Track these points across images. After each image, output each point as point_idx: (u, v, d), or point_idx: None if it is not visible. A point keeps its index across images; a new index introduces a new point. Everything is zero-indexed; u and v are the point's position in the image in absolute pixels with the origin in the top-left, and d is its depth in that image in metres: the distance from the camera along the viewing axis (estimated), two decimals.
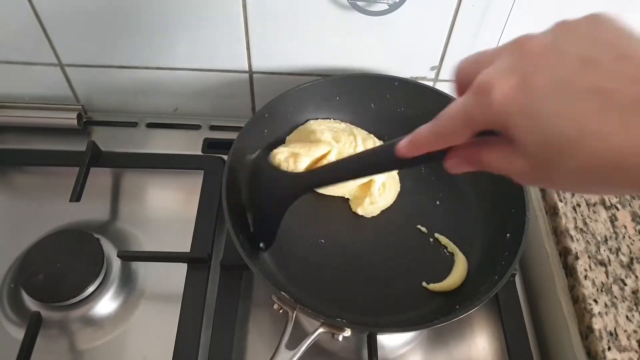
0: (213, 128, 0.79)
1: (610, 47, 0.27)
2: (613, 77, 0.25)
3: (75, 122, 0.75)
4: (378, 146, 0.41)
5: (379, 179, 0.66)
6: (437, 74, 0.73)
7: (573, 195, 0.65)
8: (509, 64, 0.28)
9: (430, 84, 0.74)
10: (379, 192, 0.66)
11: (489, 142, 0.31)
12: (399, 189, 0.68)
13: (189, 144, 0.76)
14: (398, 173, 0.69)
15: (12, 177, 0.74)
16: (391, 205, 0.67)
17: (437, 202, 0.68)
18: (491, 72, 0.28)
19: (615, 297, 0.57)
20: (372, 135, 0.70)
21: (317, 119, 0.71)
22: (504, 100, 0.27)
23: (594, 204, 0.64)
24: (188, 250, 0.64)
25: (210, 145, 0.77)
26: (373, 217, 0.66)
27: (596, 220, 0.63)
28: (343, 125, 0.71)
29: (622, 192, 0.28)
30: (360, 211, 0.66)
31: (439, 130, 0.32)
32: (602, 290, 0.57)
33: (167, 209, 0.71)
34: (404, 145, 0.35)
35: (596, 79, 0.26)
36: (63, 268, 0.61)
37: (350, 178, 0.48)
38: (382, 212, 0.67)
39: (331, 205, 0.67)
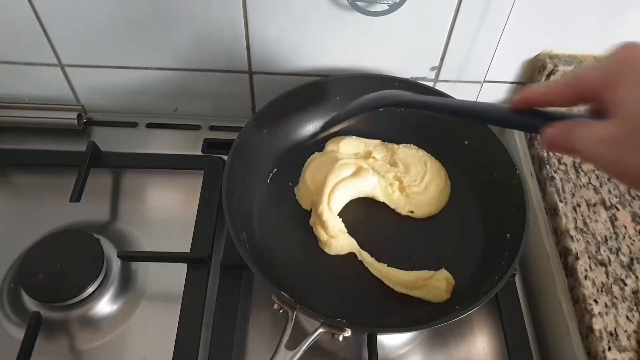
0: (213, 128, 0.79)
1: None
2: None
3: (75, 122, 0.75)
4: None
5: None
6: (437, 75, 0.73)
7: (573, 195, 0.65)
8: None
9: (431, 84, 0.74)
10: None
11: (583, 121, 0.33)
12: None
13: (189, 144, 0.76)
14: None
15: (12, 177, 0.74)
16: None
17: None
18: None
19: (616, 297, 0.57)
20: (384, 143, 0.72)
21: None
22: (629, 67, 0.32)
23: (594, 204, 0.64)
24: (188, 250, 0.64)
25: (210, 145, 0.77)
26: (373, 217, 0.66)
27: (596, 221, 0.63)
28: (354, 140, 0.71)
29: None
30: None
31: (558, 81, 0.35)
32: (602, 291, 0.57)
33: (167, 209, 0.71)
34: (518, 96, 0.38)
35: None
36: (63, 268, 0.61)
37: (454, 114, 0.47)
38: (382, 211, 0.67)
39: None
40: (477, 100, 0.47)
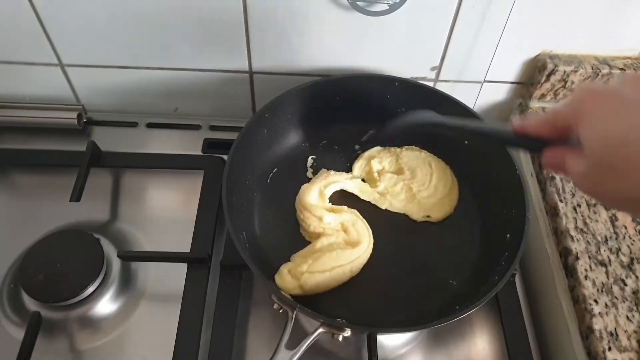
0: (213, 128, 0.79)
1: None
2: None
3: (75, 122, 0.75)
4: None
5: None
6: (438, 75, 0.73)
7: (573, 195, 0.65)
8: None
9: (431, 84, 0.74)
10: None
11: (570, 149, 0.37)
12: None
13: (189, 144, 0.76)
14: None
15: (12, 177, 0.74)
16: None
17: None
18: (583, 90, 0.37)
19: (616, 297, 0.57)
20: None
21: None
22: (586, 100, 0.35)
23: (595, 205, 0.64)
24: (188, 250, 0.64)
25: (210, 145, 0.77)
26: (373, 217, 0.66)
27: (596, 221, 0.63)
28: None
29: None
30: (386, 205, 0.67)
31: (543, 117, 0.40)
32: (602, 291, 0.57)
33: (167, 209, 0.71)
34: (518, 121, 0.43)
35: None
36: (63, 268, 0.61)
37: (471, 134, 0.60)
38: (382, 211, 0.67)
39: None
40: (489, 123, 0.56)
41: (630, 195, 0.32)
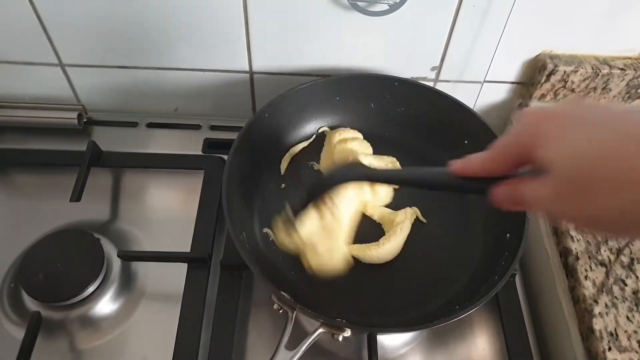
0: (213, 128, 0.79)
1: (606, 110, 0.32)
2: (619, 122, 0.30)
3: (75, 121, 0.75)
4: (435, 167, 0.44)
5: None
6: (438, 75, 0.73)
7: None
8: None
9: (431, 84, 0.74)
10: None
11: (527, 179, 0.35)
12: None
13: (189, 144, 0.76)
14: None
15: (12, 177, 0.74)
16: (392, 206, 0.67)
17: (438, 202, 0.68)
18: (534, 111, 0.34)
19: (616, 297, 0.57)
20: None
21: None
22: (540, 123, 0.33)
23: None
24: (188, 250, 0.64)
25: (210, 145, 0.77)
26: (373, 218, 0.66)
27: None
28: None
29: None
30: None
31: (489, 153, 0.36)
32: (602, 291, 0.57)
33: (167, 209, 0.71)
34: (459, 163, 0.39)
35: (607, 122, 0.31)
36: (63, 268, 0.61)
37: (403, 184, 0.56)
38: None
39: None
40: (424, 168, 0.50)
41: (616, 213, 0.30)
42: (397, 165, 0.68)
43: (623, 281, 0.58)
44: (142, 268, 0.65)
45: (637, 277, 0.58)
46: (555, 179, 0.32)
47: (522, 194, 0.34)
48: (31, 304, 0.60)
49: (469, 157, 0.38)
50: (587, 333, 0.55)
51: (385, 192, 0.67)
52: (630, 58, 0.71)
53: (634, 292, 0.57)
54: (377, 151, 0.70)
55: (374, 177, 0.51)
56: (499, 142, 0.36)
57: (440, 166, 0.40)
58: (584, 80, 0.70)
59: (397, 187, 0.67)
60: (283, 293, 0.54)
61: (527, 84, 0.74)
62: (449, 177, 0.39)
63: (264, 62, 0.72)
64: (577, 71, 0.69)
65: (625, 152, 0.28)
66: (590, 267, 0.59)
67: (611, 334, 0.54)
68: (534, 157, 0.33)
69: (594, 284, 0.58)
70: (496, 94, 0.77)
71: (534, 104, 0.74)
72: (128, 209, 0.71)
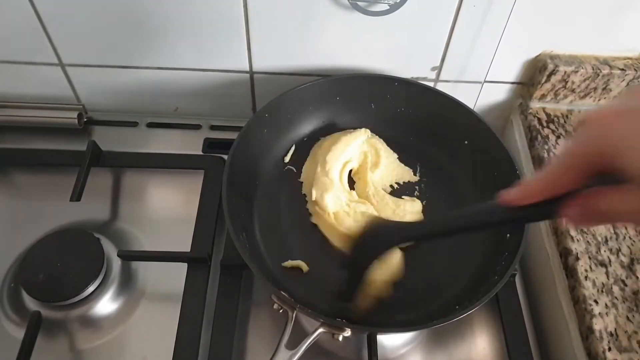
0: (213, 128, 0.79)
1: None
2: None
3: (75, 121, 0.75)
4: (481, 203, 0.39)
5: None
6: (438, 75, 0.73)
7: None
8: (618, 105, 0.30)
9: (431, 84, 0.74)
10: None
11: (604, 191, 0.31)
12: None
13: (189, 144, 0.76)
14: None
15: (12, 177, 0.74)
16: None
17: (437, 203, 0.68)
18: (599, 110, 0.30)
19: (616, 297, 0.57)
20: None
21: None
22: (614, 126, 0.28)
23: None
24: (188, 250, 0.64)
25: (210, 145, 0.77)
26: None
27: None
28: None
29: None
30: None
31: (554, 169, 0.32)
32: (602, 291, 0.57)
33: (167, 209, 0.71)
34: (513, 192, 0.34)
35: None
36: (63, 268, 0.61)
37: (454, 234, 0.48)
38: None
39: None
40: (469, 208, 0.46)
41: None
42: (369, 133, 0.70)
43: (623, 281, 0.58)
44: (142, 268, 0.65)
45: (637, 278, 0.58)
46: None
47: (605, 209, 0.31)
48: (31, 304, 0.60)
49: (523, 182, 0.34)
50: (587, 333, 0.55)
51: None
52: (630, 58, 0.71)
53: (634, 293, 0.57)
54: None
55: (419, 235, 0.49)
56: (563, 154, 0.32)
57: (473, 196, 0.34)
58: (585, 80, 0.70)
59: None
60: (283, 293, 0.54)
61: (528, 84, 0.74)
62: (504, 211, 0.35)
63: (264, 62, 0.72)
64: (577, 71, 0.69)
65: None
66: (590, 267, 0.59)
67: (611, 334, 0.54)
68: (612, 166, 0.29)
69: (594, 284, 0.58)
70: (496, 94, 0.77)
71: (534, 104, 0.74)
72: (128, 208, 0.71)
